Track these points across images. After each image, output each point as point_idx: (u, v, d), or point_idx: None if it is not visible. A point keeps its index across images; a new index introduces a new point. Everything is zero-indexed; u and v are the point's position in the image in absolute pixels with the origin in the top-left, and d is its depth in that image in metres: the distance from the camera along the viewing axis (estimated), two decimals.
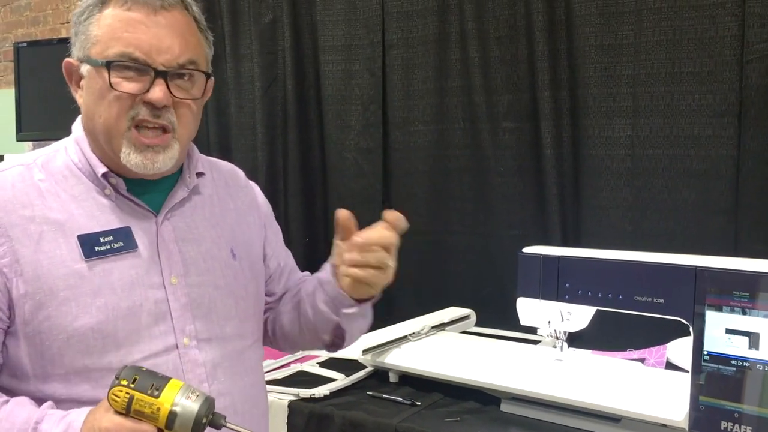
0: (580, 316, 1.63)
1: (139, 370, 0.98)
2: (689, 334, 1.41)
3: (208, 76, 1.18)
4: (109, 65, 1.08)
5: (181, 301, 1.15)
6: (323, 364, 1.96)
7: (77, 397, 1.07)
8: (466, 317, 2.14)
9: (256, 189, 1.42)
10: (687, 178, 1.99)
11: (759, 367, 1.32)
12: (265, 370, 1.87)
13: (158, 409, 0.96)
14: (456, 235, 2.37)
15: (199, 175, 1.25)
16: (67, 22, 4.00)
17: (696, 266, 1.40)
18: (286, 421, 1.69)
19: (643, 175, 2.05)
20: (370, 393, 1.75)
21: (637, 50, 2.02)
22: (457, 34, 2.31)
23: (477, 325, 2.17)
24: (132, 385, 0.97)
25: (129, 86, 1.09)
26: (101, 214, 1.12)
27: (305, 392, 1.72)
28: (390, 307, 2.31)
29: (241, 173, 1.40)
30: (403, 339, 1.85)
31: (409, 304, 2.31)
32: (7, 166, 1.13)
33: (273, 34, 2.66)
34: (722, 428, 1.35)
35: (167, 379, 0.99)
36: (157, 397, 0.97)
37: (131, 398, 0.96)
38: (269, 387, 1.75)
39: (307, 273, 1.47)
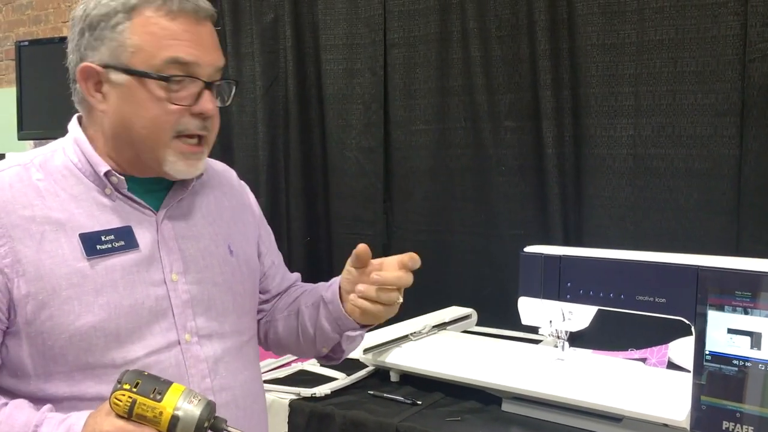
0: (582, 315, 1.63)
1: (141, 374, 0.98)
2: (691, 334, 1.41)
3: (236, 83, 1.22)
4: (166, 78, 1.08)
5: (182, 298, 1.16)
6: (324, 364, 1.96)
7: (81, 394, 1.07)
8: (467, 317, 2.14)
9: (248, 189, 1.43)
10: (689, 178, 1.98)
11: (761, 366, 1.32)
12: (266, 369, 1.88)
13: (160, 414, 0.96)
14: (457, 234, 2.37)
15: (199, 176, 1.25)
16: (69, 21, 4.01)
17: (698, 266, 1.39)
18: (287, 420, 1.69)
19: (644, 175, 2.04)
20: (371, 392, 1.75)
21: (639, 49, 2.01)
22: (458, 33, 2.31)
23: (478, 324, 2.17)
24: (134, 389, 0.97)
25: (182, 99, 1.10)
26: (101, 214, 1.12)
27: (306, 391, 1.72)
28: None
29: (233, 173, 1.41)
30: (404, 338, 1.85)
31: (410, 303, 2.29)
32: (4, 167, 1.13)
33: (274, 33, 2.66)
34: (724, 428, 1.35)
35: (169, 383, 0.99)
36: (160, 401, 0.96)
37: (134, 402, 0.96)
38: (270, 386, 1.75)
39: (297, 274, 1.50)
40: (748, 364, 1.33)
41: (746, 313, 1.34)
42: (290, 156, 2.67)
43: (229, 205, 1.32)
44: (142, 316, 1.11)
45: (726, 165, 1.93)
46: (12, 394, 1.08)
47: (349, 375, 1.84)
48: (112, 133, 1.13)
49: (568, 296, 1.58)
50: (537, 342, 1.94)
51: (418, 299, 2.35)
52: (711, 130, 1.94)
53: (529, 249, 1.68)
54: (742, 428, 1.33)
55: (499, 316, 2.12)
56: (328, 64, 2.57)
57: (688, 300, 1.40)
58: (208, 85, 1.12)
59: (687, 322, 1.41)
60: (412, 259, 1.21)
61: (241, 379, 1.22)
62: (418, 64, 2.40)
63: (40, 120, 2.97)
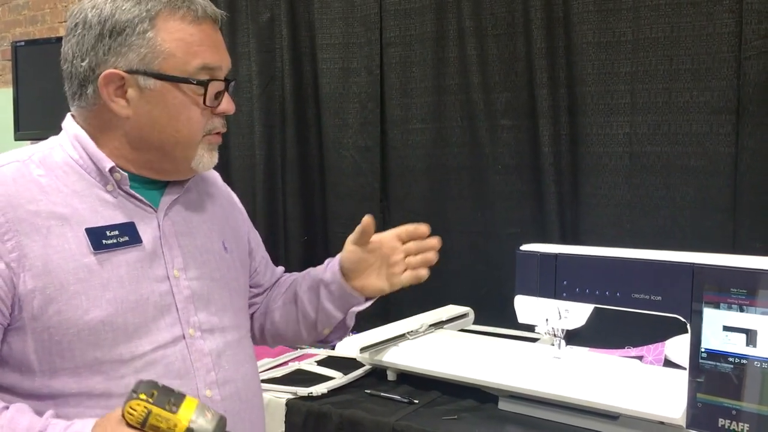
0: (578, 313, 1.63)
1: (156, 385, 0.98)
2: (687, 332, 1.41)
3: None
4: (203, 83, 1.13)
5: (184, 294, 1.17)
6: (321, 363, 1.96)
7: (89, 390, 1.08)
8: (464, 315, 2.14)
9: (231, 190, 1.46)
10: (685, 176, 1.98)
11: (756, 364, 1.32)
12: (263, 368, 1.88)
13: (175, 426, 0.96)
14: (454, 233, 2.37)
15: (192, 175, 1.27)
16: (65, 21, 3.99)
17: (693, 263, 1.39)
18: (284, 419, 1.68)
19: (641, 173, 2.04)
20: (368, 391, 1.75)
21: (635, 47, 2.01)
22: (454, 31, 2.31)
23: (475, 323, 2.17)
24: (150, 400, 0.96)
25: (212, 101, 1.16)
26: (104, 209, 1.13)
27: (303, 391, 1.72)
28: (388, 305, 2.31)
29: (217, 174, 1.42)
30: (401, 337, 1.85)
31: (407, 302, 2.30)
32: (3, 162, 1.12)
33: (271, 33, 2.66)
34: (720, 425, 1.35)
35: (183, 395, 0.99)
36: (175, 413, 0.96)
37: (149, 413, 0.96)
38: (267, 386, 1.75)
39: (282, 268, 1.54)
40: (744, 361, 1.34)
41: (742, 310, 1.34)
42: (287, 155, 2.67)
43: (219, 203, 1.35)
44: (148, 311, 1.12)
45: (722, 162, 1.93)
46: (15, 392, 1.07)
47: (346, 374, 1.84)
48: (139, 135, 1.14)
49: (565, 294, 1.58)
50: (534, 340, 1.95)
51: (415, 298, 2.37)
52: (707, 127, 1.94)
53: (525, 247, 1.68)
54: (738, 426, 1.33)
55: (496, 314, 2.12)
56: (324, 63, 2.57)
57: (684, 298, 1.40)
58: (227, 86, 1.18)
59: (683, 319, 1.41)
60: (409, 231, 1.36)
61: (242, 372, 1.24)
62: (414, 62, 2.40)
63: (37, 120, 2.97)
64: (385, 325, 1.92)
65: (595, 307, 1.60)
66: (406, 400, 1.68)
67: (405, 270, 1.36)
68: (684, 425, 1.39)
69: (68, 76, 1.16)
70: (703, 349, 1.38)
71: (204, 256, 1.23)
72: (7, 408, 1.03)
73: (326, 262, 1.40)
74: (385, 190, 2.51)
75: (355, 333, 1.79)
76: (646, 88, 2.01)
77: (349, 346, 1.83)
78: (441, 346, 1.83)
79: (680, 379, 1.44)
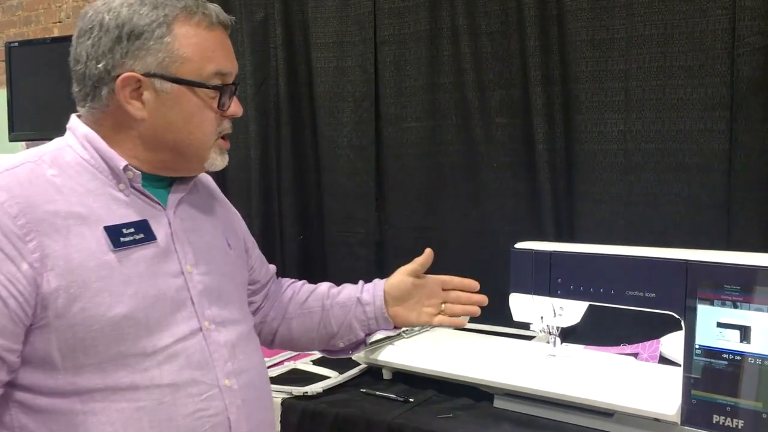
0: (573, 311, 1.64)
1: None
2: (682, 329, 1.41)
3: None
4: (219, 88, 1.19)
5: (198, 288, 1.21)
6: (317, 362, 1.96)
7: (114, 384, 1.10)
8: None
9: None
10: (679, 172, 1.98)
11: (750, 360, 1.33)
12: None
13: None
14: (449, 231, 2.37)
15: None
16: (59, 22, 3.98)
17: (687, 260, 1.40)
18: (279, 419, 1.68)
19: (635, 170, 2.04)
20: (364, 390, 1.75)
21: (629, 44, 2.01)
22: (448, 30, 2.31)
23: (470, 321, 2.17)
24: None
25: (224, 104, 1.21)
26: (118, 208, 1.16)
27: (298, 390, 1.72)
28: None
29: (209, 176, 1.46)
30: (396, 336, 1.85)
31: None
32: (15, 162, 1.13)
33: (265, 32, 2.65)
34: (714, 422, 1.35)
35: None
36: None
37: None
38: None
39: (273, 266, 1.60)
40: (738, 357, 1.34)
41: (735, 306, 1.34)
42: (282, 155, 2.66)
43: (217, 203, 1.41)
44: (166, 305, 1.16)
45: (716, 159, 1.93)
46: (39, 391, 1.09)
47: (341, 373, 1.84)
48: (153, 136, 1.18)
49: (559, 292, 1.59)
50: (529, 338, 1.95)
51: None
52: (701, 124, 1.94)
53: (519, 245, 1.68)
54: (732, 422, 1.34)
55: (491, 312, 2.11)
56: (318, 62, 2.56)
57: (678, 294, 1.40)
58: (236, 90, 1.24)
59: (677, 316, 1.41)
60: (455, 283, 1.53)
61: (255, 363, 1.29)
62: (408, 61, 2.40)
63: (31, 121, 2.96)
64: None
65: (590, 305, 1.60)
66: (401, 399, 1.68)
67: (438, 313, 1.49)
68: (679, 422, 1.39)
69: (80, 78, 1.18)
70: (697, 346, 1.38)
71: (211, 252, 1.27)
72: None
73: (360, 283, 1.53)
74: (381, 188, 2.51)
75: None
76: (640, 86, 2.01)
77: None
78: (436, 345, 1.83)
79: (675, 376, 1.44)
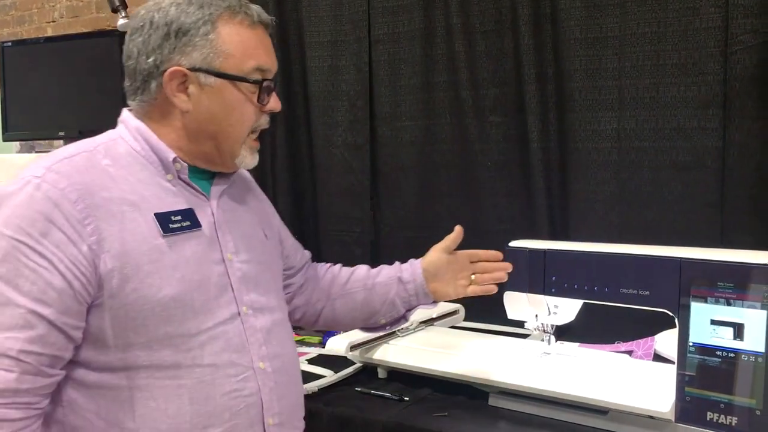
0: (567, 309, 1.64)
1: None
2: (676, 326, 1.41)
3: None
4: (259, 82, 1.24)
5: (237, 275, 1.26)
6: (312, 361, 1.96)
7: (159, 362, 1.15)
8: (454, 312, 2.14)
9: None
10: (673, 170, 1.99)
11: (744, 357, 1.33)
12: None
13: None
14: (444, 229, 2.35)
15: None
16: (53, 21, 3.97)
17: (681, 258, 1.40)
18: None
19: (629, 168, 2.05)
20: (359, 389, 1.76)
21: (622, 43, 2.02)
22: (442, 28, 2.31)
23: (465, 320, 2.18)
24: None
25: (263, 99, 1.26)
26: (167, 197, 1.22)
27: None
28: None
29: (248, 173, 1.50)
30: (391, 334, 1.85)
31: None
32: (72, 152, 1.19)
33: None
34: (708, 419, 1.36)
35: None
36: None
37: None
38: None
39: (308, 252, 1.65)
40: (732, 355, 1.34)
41: (729, 304, 1.35)
42: (277, 154, 2.66)
43: (253, 196, 1.47)
44: (210, 290, 1.21)
45: (709, 157, 1.94)
46: (91, 366, 1.14)
47: (336, 372, 1.84)
48: (196, 128, 1.24)
49: (554, 290, 1.59)
50: (524, 336, 1.95)
51: None
52: (694, 122, 1.95)
53: (513, 243, 1.68)
54: (726, 419, 1.34)
55: (486, 311, 2.12)
56: (313, 61, 2.57)
57: (672, 292, 1.40)
58: (273, 86, 1.29)
59: (671, 314, 1.41)
60: (480, 255, 1.59)
61: (288, 349, 1.34)
62: (402, 60, 2.40)
63: (26, 121, 2.94)
64: None
65: (585, 303, 1.60)
66: (396, 398, 1.69)
67: (470, 284, 1.56)
68: (673, 419, 1.39)
69: (131, 72, 1.25)
70: (691, 343, 1.39)
71: (250, 242, 1.33)
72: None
73: (396, 264, 1.59)
74: (375, 187, 2.51)
75: None
76: (634, 84, 2.02)
77: (339, 344, 1.83)
78: (431, 344, 1.84)
79: (669, 374, 1.45)
